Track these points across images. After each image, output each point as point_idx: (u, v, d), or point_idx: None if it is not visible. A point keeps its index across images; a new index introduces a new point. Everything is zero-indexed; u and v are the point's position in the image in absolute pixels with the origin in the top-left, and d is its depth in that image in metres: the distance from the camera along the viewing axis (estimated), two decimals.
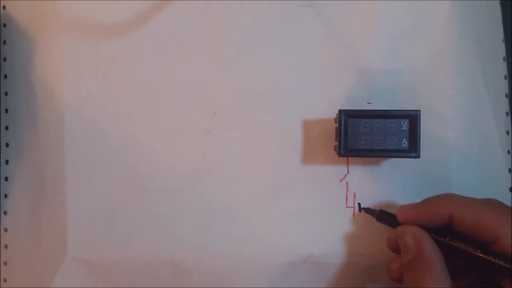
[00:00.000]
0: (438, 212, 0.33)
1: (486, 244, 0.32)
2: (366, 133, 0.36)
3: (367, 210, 0.39)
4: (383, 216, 0.37)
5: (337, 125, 0.37)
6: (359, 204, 0.40)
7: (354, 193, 0.40)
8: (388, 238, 0.37)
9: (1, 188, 0.43)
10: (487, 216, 0.31)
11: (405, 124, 0.36)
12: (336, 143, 0.37)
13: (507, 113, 0.41)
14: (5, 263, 0.42)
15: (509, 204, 0.40)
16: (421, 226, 0.34)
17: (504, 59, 0.41)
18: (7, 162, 0.43)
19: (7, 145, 0.43)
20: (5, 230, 0.42)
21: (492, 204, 0.33)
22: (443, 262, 0.32)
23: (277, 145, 0.40)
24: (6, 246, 0.42)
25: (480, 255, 0.31)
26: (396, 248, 0.36)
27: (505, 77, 0.41)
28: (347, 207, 0.40)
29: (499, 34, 0.41)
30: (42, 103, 0.41)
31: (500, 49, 0.41)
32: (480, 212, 0.32)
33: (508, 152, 0.41)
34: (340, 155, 0.37)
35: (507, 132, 0.41)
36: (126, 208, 0.41)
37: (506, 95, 0.41)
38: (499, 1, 0.41)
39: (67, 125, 0.41)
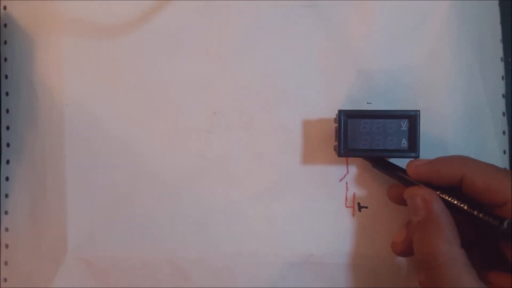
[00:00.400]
0: (450, 172, 0.33)
1: (493, 208, 0.31)
2: (366, 133, 0.36)
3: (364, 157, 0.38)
4: (380, 163, 0.37)
5: (336, 125, 0.37)
6: (358, 203, 0.40)
7: (354, 193, 0.40)
8: (389, 187, 0.37)
9: (2, 188, 0.42)
10: (498, 180, 0.31)
11: (404, 124, 0.36)
12: (336, 143, 0.37)
13: (503, 113, 0.41)
14: (6, 263, 0.42)
15: None
16: (429, 183, 0.34)
17: (501, 59, 0.41)
18: (8, 162, 0.42)
19: (8, 145, 0.42)
20: (6, 229, 0.42)
21: (506, 171, 0.32)
22: (453, 223, 0.32)
23: (277, 145, 0.40)
24: (6, 246, 0.42)
25: (476, 214, 0.31)
26: (396, 199, 0.36)
27: (502, 78, 0.41)
28: (346, 207, 0.40)
29: (498, 34, 0.41)
30: (42, 103, 0.41)
31: (498, 50, 0.41)
32: (492, 175, 0.31)
33: (504, 152, 0.41)
34: (339, 155, 0.36)
35: (503, 132, 0.41)
36: (127, 208, 0.40)
37: (503, 95, 0.41)
38: (497, 2, 0.41)
39: (68, 125, 0.41)
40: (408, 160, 0.37)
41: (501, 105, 0.41)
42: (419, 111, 0.36)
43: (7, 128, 0.42)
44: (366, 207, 0.40)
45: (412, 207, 0.34)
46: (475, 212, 0.32)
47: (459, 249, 0.31)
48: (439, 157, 0.35)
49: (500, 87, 0.41)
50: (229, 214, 0.40)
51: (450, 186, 0.33)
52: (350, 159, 0.40)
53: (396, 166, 0.37)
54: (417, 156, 0.36)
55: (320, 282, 0.40)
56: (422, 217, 0.32)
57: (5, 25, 0.42)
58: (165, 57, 0.41)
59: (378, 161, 0.37)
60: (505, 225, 0.30)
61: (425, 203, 0.33)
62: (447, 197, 0.33)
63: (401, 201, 0.36)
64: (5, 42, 0.42)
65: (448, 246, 0.31)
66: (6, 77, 0.42)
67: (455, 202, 0.33)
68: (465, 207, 0.32)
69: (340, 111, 0.36)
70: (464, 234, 0.32)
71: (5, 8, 0.42)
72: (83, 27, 0.41)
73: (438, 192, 0.33)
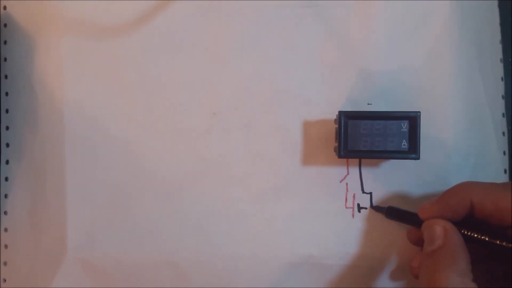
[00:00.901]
0: (459, 202, 0.33)
1: (508, 229, 0.31)
2: (366, 134, 0.36)
3: (376, 208, 0.39)
4: (393, 213, 0.38)
5: (337, 126, 0.37)
6: (358, 204, 0.39)
7: (354, 194, 0.40)
8: (408, 231, 0.37)
9: (1, 188, 0.42)
10: (508, 199, 0.31)
11: (405, 126, 0.36)
12: (336, 144, 0.37)
13: (503, 114, 0.41)
14: (5, 263, 0.42)
15: None
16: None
17: (501, 60, 0.41)
18: (7, 162, 0.42)
19: (7, 145, 0.42)
20: (5, 230, 0.42)
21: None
22: (468, 257, 0.31)
23: (277, 146, 0.40)
24: (6, 246, 0.42)
25: (501, 243, 0.31)
26: (417, 241, 0.36)
27: (502, 79, 0.41)
28: (346, 207, 0.40)
29: (497, 35, 0.41)
30: (42, 103, 0.41)
31: (498, 51, 0.41)
32: (500, 195, 0.31)
33: (504, 153, 0.41)
34: (340, 156, 0.36)
35: (503, 133, 0.41)
36: (126, 208, 0.40)
37: (502, 96, 0.41)
38: (497, 3, 0.41)
39: (68, 125, 0.41)
40: (408, 161, 0.37)
41: (500, 106, 0.41)
42: (419, 112, 0.36)
43: (7, 128, 0.42)
44: (366, 208, 0.40)
45: (428, 237, 0.33)
46: (498, 241, 0.31)
47: (471, 283, 0.30)
48: (444, 192, 0.34)
49: (500, 88, 0.41)
50: (229, 215, 0.40)
51: (464, 217, 0.33)
52: (350, 160, 0.39)
53: (409, 213, 0.37)
54: (418, 158, 0.36)
55: (320, 283, 0.40)
56: (438, 246, 0.32)
57: (5, 25, 0.42)
58: (165, 58, 0.41)
59: (391, 211, 0.38)
60: None
61: (445, 231, 0.32)
62: (466, 232, 0.33)
63: (421, 243, 0.35)
64: (5, 42, 0.42)
65: (461, 278, 0.30)
66: (6, 77, 0.42)
67: (475, 235, 0.32)
68: (487, 238, 0.32)
69: (340, 112, 0.36)
70: (472, 253, 0.32)
71: (5, 8, 0.42)
72: (83, 27, 0.41)
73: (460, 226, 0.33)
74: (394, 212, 0.38)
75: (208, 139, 0.40)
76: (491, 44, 0.41)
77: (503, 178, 0.40)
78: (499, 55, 0.41)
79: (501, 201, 0.31)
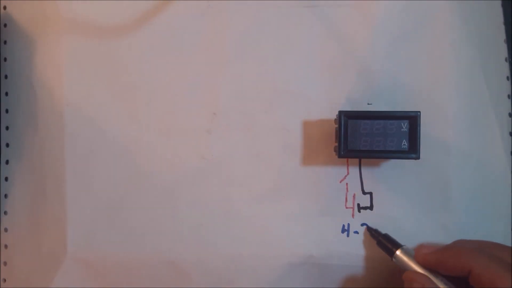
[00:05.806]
0: (457, 265, 0.33)
1: None
2: (366, 134, 0.37)
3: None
4: (385, 241, 0.39)
5: (337, 126, 0.38)
6: (358, 204, 0.40)
7: (354, 194, 0.40)
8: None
9: (1, 188, 0.43)
10: (506, 281, 0.31)
11: (405, 125, 0.37)
12: (336, 144, 0.38)
13: (509, 114, 0.42)
14: (5, 263, 0.43)
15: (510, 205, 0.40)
16: (436, 270, 0.35)
17: (506, 60, 0.42)
18: (7, 162, 0.44)
19: (7, 145, 0.44)
20: (5, 230, 0.43)
21: None
22: None
23: (277, 146, 0.41)
24: (6, 246, 0.43)
25: None
26: None
27: (508, 78, 0.42)
28: (346, 207, 0.41)
29: (501, 35, 0.42)
30: (42, 103, 0.42)
31: (502, 50, 0.42)
32: (500, 276, 0.31)
33: (511, 153, 0.41)
34: (340, 156, 0.37)
35: (510, 133, 0.41)
36: (126, 208, 0.42)
37: (508, 96, 0.42)
38: (500, 2, 0.42)
39: (68, 126, 0.42)
40: (408, 161, 0.38)
41: (506, 106, 0.42)
42: (419, 112, 0.36)
43: (7, 128, 0.44)
44: (366, 208, 0.41)
45: None
46: None
47: None
48: (448, 247, 0.35)
49: (506, 87, 0.42)
50: (229, 215, 0.41)
51: (456, 276, 0.34)
52: (350, 160, 0.40)
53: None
54: (418, 157, 0.36)
55: (320, 283, 0.41)
56: None
57: (5, 25, 0.43)
58: (165, 58, 0.42)
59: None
60: None
61: None
62: None
63: None
64: (5, 42, 0.44)
65: None
66: (6, 77, 0.44)
67: None
68: None
69: (340, 112, 0.37)
70: None
71: (5, 8, 0.44)
72: (83, 27, 0.42)
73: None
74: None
75: (208, 139, 0.41)
76: (495, 44, 0.42)
77: (509, 179, 0.41)
78: (504, 54, 0.42)
79: (499, 281, 0.31)
